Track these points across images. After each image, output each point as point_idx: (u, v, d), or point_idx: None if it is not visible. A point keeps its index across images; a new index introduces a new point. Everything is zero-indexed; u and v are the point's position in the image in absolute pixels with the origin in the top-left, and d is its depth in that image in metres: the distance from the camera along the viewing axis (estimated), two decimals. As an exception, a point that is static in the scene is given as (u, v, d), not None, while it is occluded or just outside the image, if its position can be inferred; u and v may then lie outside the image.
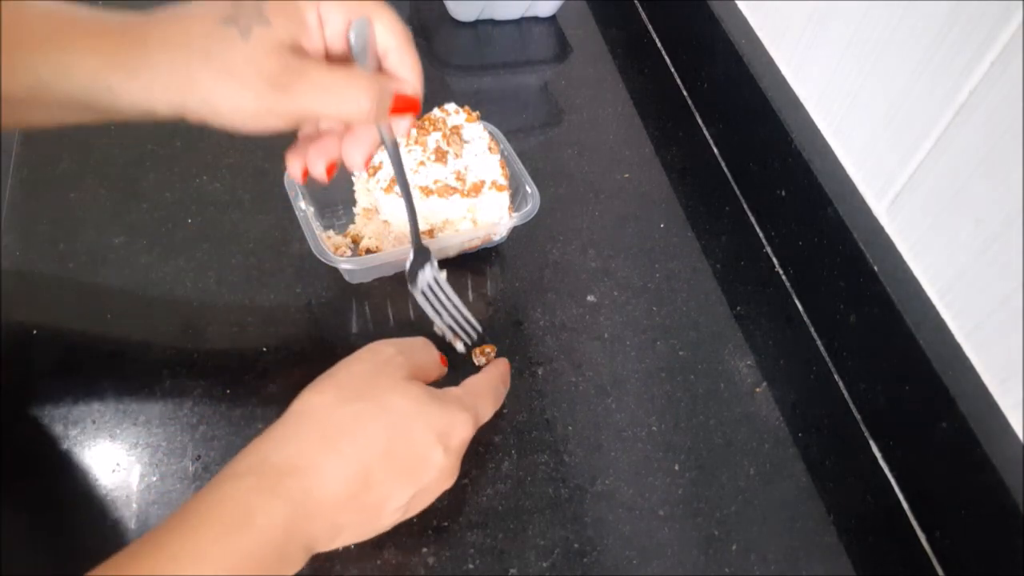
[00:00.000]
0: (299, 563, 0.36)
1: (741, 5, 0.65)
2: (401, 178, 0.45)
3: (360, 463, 0.37)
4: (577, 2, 0.80)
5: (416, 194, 0.51)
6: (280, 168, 0.53)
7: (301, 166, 0.42)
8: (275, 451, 0.37)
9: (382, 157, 0.53)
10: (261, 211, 0.57)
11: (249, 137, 0.59)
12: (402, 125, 0.41)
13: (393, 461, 0.38)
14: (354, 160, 0.41)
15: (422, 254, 0.50)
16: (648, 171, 0.65)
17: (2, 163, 0.58)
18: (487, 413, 0.44)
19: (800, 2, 0.56)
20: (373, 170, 0.53)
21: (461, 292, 0.55)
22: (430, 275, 0.50)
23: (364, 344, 0.51)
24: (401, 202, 0.51)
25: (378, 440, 0.38)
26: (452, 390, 0.43)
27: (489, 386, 0.45)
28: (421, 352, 0.44)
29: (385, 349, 0.42)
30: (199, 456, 0.45)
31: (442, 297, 0.51)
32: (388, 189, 0.52)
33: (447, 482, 0.41)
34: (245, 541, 0.33)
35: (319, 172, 0.41)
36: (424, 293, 0.50)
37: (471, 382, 0.45)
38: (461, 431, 0.41)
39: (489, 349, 0.51)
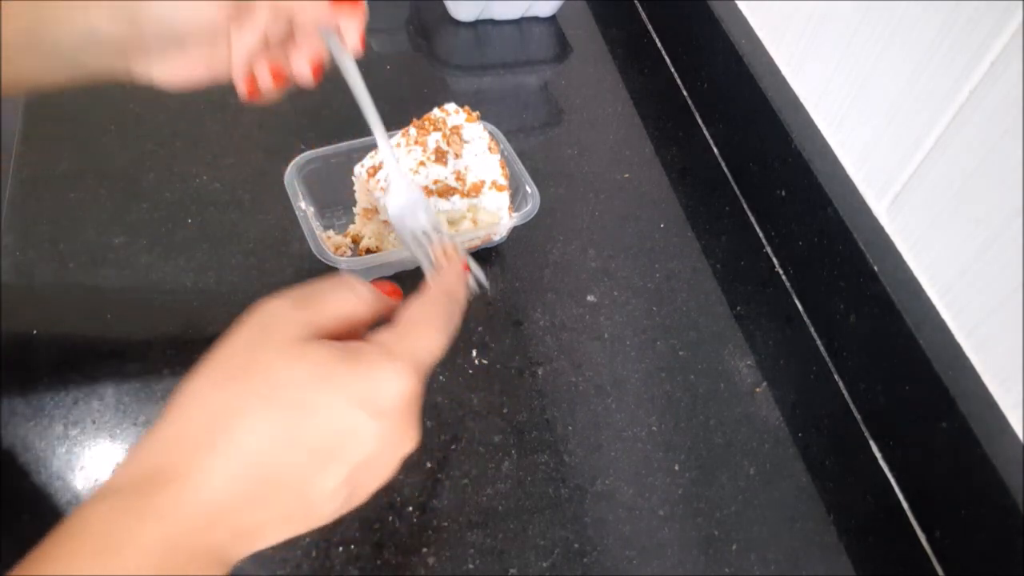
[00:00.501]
0: (215, 572, 0.31)
1: (741, 5, 0.65)
2: (361, 90, 0.43)
3: (246, 457, 0.30)
4: (577, 2, 0.80)
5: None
6: (280, 168, 0.53)
7: (247, 82, 0.41)
8: (148, 458, 0.31)
9: (382, 157, 0.53)
10: (261, 211, 0.57)
11: (249, 137, 0.59)
12: (351, 34, 0.41)
13: (295, 445, 0.31)
14: (300, 68, 0.41)
15: (410, 191, 0.42)
16: (648, 171, 0.65)
17: (2, 163, 0.58)
18: (434, 347, 0.34)
19: (800, 2, 0.56)
20: (373, 170, 0.53)
21: (461, 292, 0.55)
22: (425, 222, 0.42)
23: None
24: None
25: (266, 425, 0.30)
26: (375, 337, 0.33)
27: (430, 312, 0.35)
28: (330, 298, 0.34)
29: (274, 308, 0.34)
30: (199, 456, 0.45)
31: (438, 244, 0.40)
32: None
33: (400, 447, 0.32)
34: (119, 567, 0.28)
35: (264, 79, 0.41)
36: (418, 238, 0.42)
37: (406, 316, 0.34)
38: (391, 387, 0.32)
39: (451, 248, 0.39)
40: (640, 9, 0.80)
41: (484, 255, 0.57)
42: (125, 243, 0.54)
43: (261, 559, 0.42)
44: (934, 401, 0.44)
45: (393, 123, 0.58)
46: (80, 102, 0.63)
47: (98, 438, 0.45)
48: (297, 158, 0.54)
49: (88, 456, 0.45)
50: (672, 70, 0.74)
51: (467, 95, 0.70)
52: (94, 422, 0.46)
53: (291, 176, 0.53)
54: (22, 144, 0.59)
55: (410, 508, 0.45)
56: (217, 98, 0.65)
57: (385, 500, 0.45)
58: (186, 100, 0.64)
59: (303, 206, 0.52)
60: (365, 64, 0.71)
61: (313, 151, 0.55)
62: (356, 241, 0.56)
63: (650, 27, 0.78)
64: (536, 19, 0.77)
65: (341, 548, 0.43)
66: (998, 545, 0.41)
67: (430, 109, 0.55)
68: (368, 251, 0.55)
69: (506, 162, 0.55)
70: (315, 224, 0.52)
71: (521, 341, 0.53)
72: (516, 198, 0.56)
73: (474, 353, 0.52)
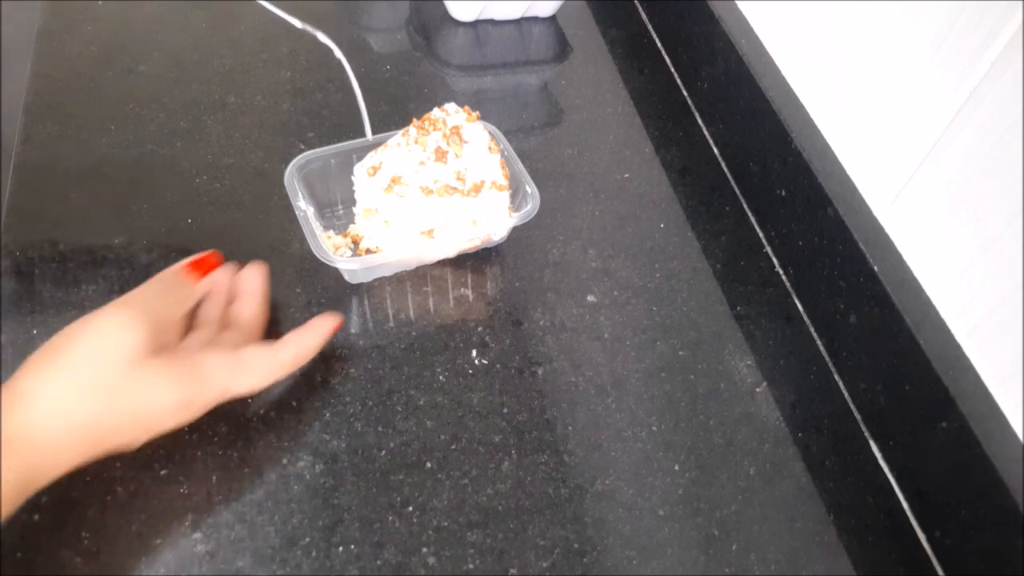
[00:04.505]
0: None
1: (741, 5, 0.65)
2: None
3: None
4: (577, 2, 0.80)
5: (416, 194, 0.51)
6: (280, 168, 0.53)
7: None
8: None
9: (382, 157, 0.53)
10: (261, 211, 0.57)
11: (249, 137, 0.59)
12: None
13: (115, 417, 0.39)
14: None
15: None
16: (648, 171, 0.65)
17: (2, 163, 0.58)
18: (243, 387, 0.43)
19: (800, 2, 0.56)
20: (373, 170, 0.53)
21: (461, 292, 0.55)
22: None
23: (364, 344, 0.52)
24: (402, 201, 0.52)
25: (107, 423, 0.39)
26: (209, 357, 0.42)
27: (263, 359, 0.44)
28: (163, 309, 0.43)
29: (121, 325, 0.40)
30: (199, 456, 0.45)
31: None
32: (388, 189, 0.52)
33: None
34: None
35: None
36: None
37: (250, 352, 0.44)
38: (197, 407, 0.42)
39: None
40: (640, 9, 0.80)
41: (484, 255, 0.57)
42: (125, 243, 0.54)
43: (261, 559, 0.42)
44: (934, 401, 0.44)
45: (393, 123, 0.59)
46: (80, 102, 0.63)
47: (98, 438, 0.45)
48: (297, 158, 0.54)
49: (88, 456, 0.45)
50: (672, 70, 0.74)
51: (467, 95, 0.70)
52: (94, 422, 0.46)
53: (291, 176, 0.53)
54: (22, 144, 0.59)
55: (410, 508, 0.45)
56: (217, 98, 0.65)
57: (385, 500, 0.45)
58: (186, 100, 0.64)
59: (303, 206, 0.52)
60: (365, 64, 0.72)
61: (313, 151, 0.55)
62: (356, 241, 0.56)
63: (650, 27, 0.78)
64: (536, 19, 0.77)
65: (341, 548, 0.43)
66: (998, 545, 0.41)
67: (430, 109, 0.55)
68: (368, 251, 0.55)
69: (506, 162, 0.55)
70: (315, 224, 0.52)
71: (521, 341, 0.53)
72: (516, 198, 0.56)
73: (474, 353, 0.52)
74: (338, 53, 0.48)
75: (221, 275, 0.49)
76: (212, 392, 0.42)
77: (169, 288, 0.43)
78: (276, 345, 0.45)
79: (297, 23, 0.48)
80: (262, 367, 0.44)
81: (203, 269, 0.46)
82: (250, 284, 0.49)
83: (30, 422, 0.37)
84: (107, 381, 0.38)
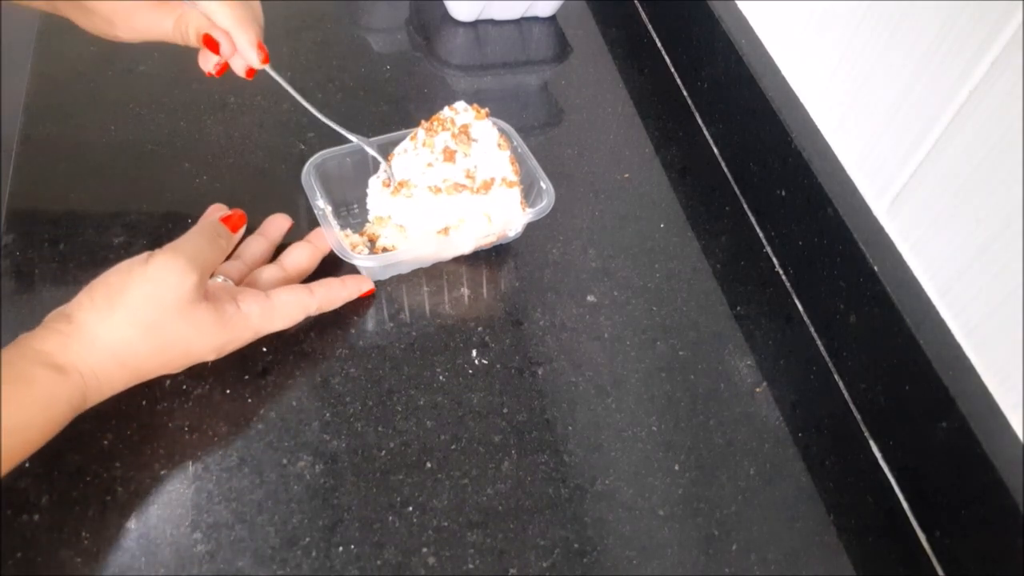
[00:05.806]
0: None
1: (741, 5, 0.65)
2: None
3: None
4: (577, 2, 0.80)
5: (424, 193, 0.52)
6: (280, 168, 0.53)
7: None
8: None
9: (392, 165, 0.53)
10: (261, 211, 0.57)
11: (249, 137, 0.59)
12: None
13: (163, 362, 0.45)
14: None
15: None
16: (648, 171, 0.65)
17: (2, 163, 0.58)
18: (274, 328, 0.49)
19: (800, 2, 0.56)
20: (388, 182, 0.53)
21: (461, 291, 0.55)
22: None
23: (364, 344, 0.51)
24: (410, 202, 0.52)
25: (157, 359, 0.44)
26: (246, 303, 0.46)
27: (292, 303, 0.48)
28: (210, 256, 0.46)
29: (174, 269, 0.43)
30: (199, 456, 0.45)
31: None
32: (395, 192, 0.52)
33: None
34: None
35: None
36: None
37: (275, 292, 0.48)
38: (234, 345, 0.47)
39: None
40: (640, 9, 0.80)
41: (484, 255, 0.57)
42: (125, 243, 0.54)
43: (261, 559, 0.42)
44: (934, 401, 0.44)
45: (393, 123, 0.59)
46: (80, 102, 0.63)
47: (98, 438, 0.45)
48: (313, 157, 0.54)
49: (88, 456, 0.45)
50: (672, 70, 0.74)
51: (467, 95, 0.69)
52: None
53: (308, 175, 0.53)
54: (22, 144, 0.59)
55: (410, 508, 0.45)
56: (217, 98, 0.65)
57: (385, 500, 0.45)
58: (186, 100, 0.64)
59: (321, 204, 0.52)
60: (366, 64, 0.72)
61: (328, 150, 0.55)
62: (373, 240, 0.56)
63: (650, 27, 0.78)
64: (536, 19, 0.77)
65: (341, 548, 0.43)
66: (998, 545, 0.41)
67: (430, 109, 0.55)
68: (384, 250, 0.55)
69: (518, 158, 0.55)
70: (333, 223, 0.52)
71: (521, 341, 0.53)
72: (531, 194, 0.56)
73: (474, 353, 0.52)
74: (371, 151, 0.53)
75: (276, 222, 0.54)
76: (247, 335, 0.47)
77: (213, 239, 0.47)
78: (307, 288, 0.50)
79: (351, 137, 0.53)
80: (290, 311, 0.49)
81: (234, 224, 0.49)
82: (317, 239, 0.54)
83: (88, 353, 0.41)
84: (161, 322, 0.42)
